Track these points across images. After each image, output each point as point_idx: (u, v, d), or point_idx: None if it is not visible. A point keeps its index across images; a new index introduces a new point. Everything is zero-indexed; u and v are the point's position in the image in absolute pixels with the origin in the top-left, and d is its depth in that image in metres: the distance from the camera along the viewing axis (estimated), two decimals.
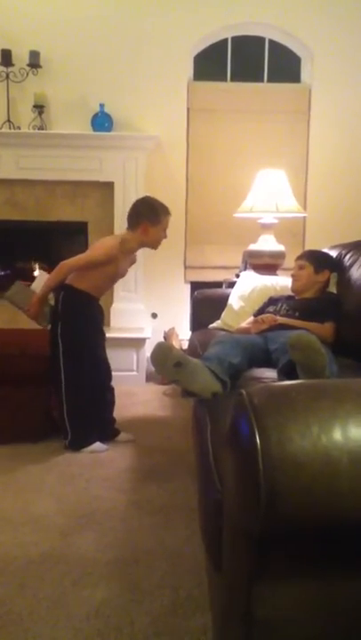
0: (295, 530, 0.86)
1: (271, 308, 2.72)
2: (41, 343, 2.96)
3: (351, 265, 2.68)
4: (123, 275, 2.89)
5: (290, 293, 2.84)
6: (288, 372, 1.96)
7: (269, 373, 2.09)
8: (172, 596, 1.61)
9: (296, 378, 1.87)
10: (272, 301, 2.83)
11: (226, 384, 1.97)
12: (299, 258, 2.80)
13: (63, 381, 2.71)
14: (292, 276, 2.79)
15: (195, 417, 1.96)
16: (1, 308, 4.27)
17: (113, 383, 2.93)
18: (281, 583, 0.92)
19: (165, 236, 2.79)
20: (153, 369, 1.98)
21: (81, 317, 2.73)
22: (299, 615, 0.92)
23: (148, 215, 2.69)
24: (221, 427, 1.38)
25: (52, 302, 2.75)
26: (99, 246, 2.73)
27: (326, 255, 2.86)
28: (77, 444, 2.72)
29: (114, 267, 2.72)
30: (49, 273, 2.78)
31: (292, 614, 0.92)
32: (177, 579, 1.69)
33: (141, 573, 1.72)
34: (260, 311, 2.80)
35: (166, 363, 1.97)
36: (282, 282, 3.19)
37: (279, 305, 2.71)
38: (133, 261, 2.94)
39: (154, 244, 2.78)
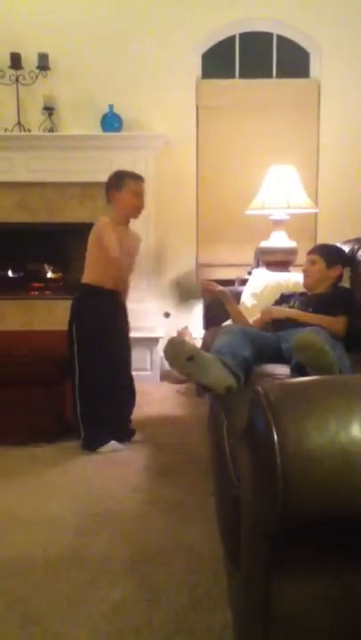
0: (313, 525, 0.85)
1: (284, 305, 2.70)
2: (53, 344, 2.98)
3: None
4: (128, 259, 2.81)
5: (303, 290, 2.81)
6: (300, 369, 1.96)
7: (282, 370, 2.09)
8: (190, 594, 1.60)
9: (308, 374, 1.87)
10: (284, 298, 2.79)
11: (240, 378, 1.95)
12: (310, 252, 2.74)
13: (77, 381, 2.72)
14: (304, 271, 2.73)
15: (211, 414, 1.96)
16: (13, 309, 4.31)
17: None
18: (299, 579, 0.92)
19: (140, 203, 2.73)
20: (167, 367, 1.98)
21: (95, 316, 2.72)
22: (317, 610, 0.91)
23: (113, 183, 2.72)
24: (237, 424, 1.37)
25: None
26: (98, 233, 2.67)
27: (338, 249, 2.80)
28: (92, 445, 2.72)
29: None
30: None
31: (310, 610, 0.91)
32: (194, 576, 1.69)
33: (158, 571, 1.72)
34: None
35: (179, 357, 1.96)
36: (294, 278, 3.17)
37: (292, 302, 2.68)
38: (138, 242, 2.88)
39: (128, 210, 2.72)
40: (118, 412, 2.85)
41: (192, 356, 1.94)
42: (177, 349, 1.98)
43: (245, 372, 2.00)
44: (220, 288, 2.74)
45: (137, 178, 2.74)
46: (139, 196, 2.72)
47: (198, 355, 1.96)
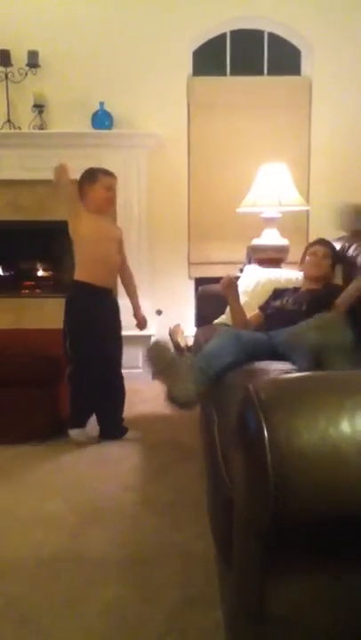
0: (305, 523, 0.85)
1: (278, 302, 2.69)
2: (47, 343, 2.97)
3: (357, 256, 2.67)
4: (108, 242, 2.89)
5: (295, 285, 2.81)
6: (314, 356, 1.95)
7: (276, 366, 2.08)
8: (183, 594, 1.60)
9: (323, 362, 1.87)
10: (277, 294, 2.77)
11: (201, 394, 2.03)
12: (321, 244, 2.74)
13: (71, 375, 2.82)
14: (316, 263, 2.69)
15: (202, 412, 1.96)
16: (3, 308, 4.28)
17: None
18: (292, 578, 0.92)
19: (112, 196, 2.91)
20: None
21: (84, 316, 2.78)
22: (310, 610, 0.91)
23: (86, 177, 2.88)
24: (229, 422, 1.37)
25: None
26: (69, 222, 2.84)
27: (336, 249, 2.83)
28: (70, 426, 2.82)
29: (90, 239, 2.80)
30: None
31: (303, 609, 0.91)
32: (187, 576, 1.69)
33: (152, 571, 1.72)
34: (267, 304, 2.76)
35: (160, 362, 2.05)
36: (286, 274, 3.17)
37: (285, 299, 2.67)
38: (118, 229, 3.04)
39: (101, 202, 2.86)
40: (107, 408, 2.88)
41: (170, 364, 2.03)
42: (160, 355, 2.06)
43: (218, 376, 2.02)
44: (234, 283, 2.75)
45: (109, 173, 2.90)
46: (111, 189, 2.89)
47: (177, 365, 2.03)
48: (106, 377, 2.84)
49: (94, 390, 2.82)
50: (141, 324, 3.14)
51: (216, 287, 2.87)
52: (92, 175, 2.87)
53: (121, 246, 2.99)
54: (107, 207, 2.92)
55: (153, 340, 2.12)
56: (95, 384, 2.81)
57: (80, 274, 2.82)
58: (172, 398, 2.03)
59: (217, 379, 2.04)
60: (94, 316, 2.79)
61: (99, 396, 2.84)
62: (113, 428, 2.88)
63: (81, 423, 2.84)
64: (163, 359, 2.05)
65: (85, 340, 2.77)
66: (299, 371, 1.94)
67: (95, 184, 2.84)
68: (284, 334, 2.18)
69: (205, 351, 2.12)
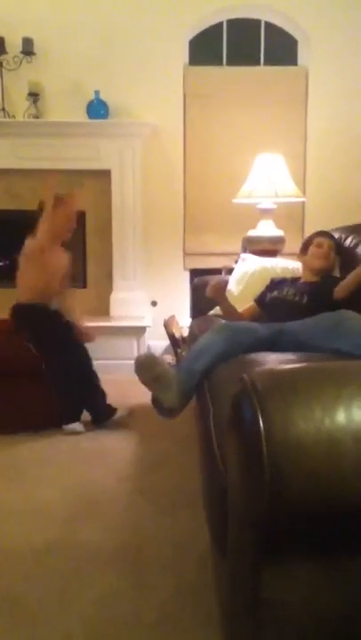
0: (300, 513, 0.85)
1: (276, 293, 2.66)
2: None
3: (355, 247, 2.67)
4: (61, 276, 3.04)
5: (292, 276, 2.79)
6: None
7: (272, 357, 2.07)
8: (177, 583, 1.61)
9: None
10: (275, 285, 2.74)
11: (185, 402, 2.12)
12: (329, 237, 2.72)
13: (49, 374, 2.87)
14: (323, 255, 2.66)
15: (198, 403, 1.96)
16: None
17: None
18: (287, 567, 0.92)
19: (72, 224, 3.02)
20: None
21: (45, 337, 2.91)
22: (305, 599, 0.91)
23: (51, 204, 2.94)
24: (224, 412, 1.37)
25: None
26: (37, 244, 2.95)
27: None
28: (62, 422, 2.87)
29: (46, 260, 2.95)
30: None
31: (298, 598, 0.91)
32: (182, 565, 1.70)
33: (146, 561, 1.73)
34: (263, 296, 2.73)
35: (148, 375, 2.13)
36: (281, 264, 3.15)
37: (285, 290, 2.62)
38: (67, 260, 3.12)
39: (61, 231, 2.98)
40: (91, 393, 2.96)
41: (158, 377, 2.10)
42: (148, 368, 2.13)
43: (207, 371, 2.05)
44: (222, 287, 2.78)
45: (70, 199, 3.01)
46: (71, 218, 3.00)
47: (164, 377, 2.10)
48: (81, 365, 2.94)
49: (75, 381, 2.90)
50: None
51: (210, 279, 2.85)
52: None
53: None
54: (68, 236, 3.05)
55: (142, 353, 2.22)
56: (74, 375, 2.90)
57: (30, 296, 2.96)
58: (156, 404, 2.13)
59: (206, 374, 2.04)
60: (53, 336, 2.93)
61: (81, 385, 2.92)
62: (101, 411, 2.94)
63: (76, 417, 2.89)
64: (150, 371, 2.13)
65: (55, 354, 2.89)
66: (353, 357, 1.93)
67: (57, 212, 2.93)
68: (307, 325, 2.17)
69: (195, 345, 2.13)
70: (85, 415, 2.96)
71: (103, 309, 4.27)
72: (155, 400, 2.13)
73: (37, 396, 2.87)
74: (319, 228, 3.11)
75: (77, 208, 3.06)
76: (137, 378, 2.20)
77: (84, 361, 2.98)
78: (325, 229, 2.99)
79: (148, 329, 4.05)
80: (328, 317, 2.13)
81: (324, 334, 2.06)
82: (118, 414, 2.96)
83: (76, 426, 2.86)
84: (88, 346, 3.02)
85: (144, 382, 2.16)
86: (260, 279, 2.99)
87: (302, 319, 2.23)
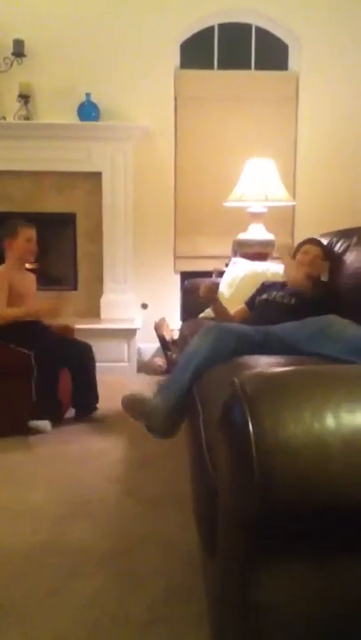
0: (290, 515, 0.86)
1: (265, 296, 2.69)
2: None
3: (344, 251, 2.69)
4: (29, 299, 3.14)
5: (283, 279, 2.81)
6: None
7: (262, 360, 2.09)
8: (167, 584, 1.61)
9: None
10: (266, 288, 2.78)
11: (180, 418, 2.12)
12: (317, 245, 2.74)
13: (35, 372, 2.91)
14: (311, 264, 2.68)
15: (188, 406, 1.97)
16: None
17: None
18: (276, 567, 0.93)
19: (32, 247, 3.09)
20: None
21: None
22: (295, 599, 0.92)
23: (8, 232, 3.06)
24: (214, 415, 1.38)
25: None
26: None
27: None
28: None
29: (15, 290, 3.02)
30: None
31: (287, 598, 0.93)
32: (171, 566, 1.70)
33: (135, 562, 1.73)
34: (253, 299, 2.77)
35: (135, 412, 2.20)
36: (272, 268, 3.18)
37: (274, 293, 2.66)
38: (34, 281, 3.28)
39: (24, 255, 3.09)
40: (79, 385, 3.06)
41: (143, 412, 2.16)
42: (133, 407, 2.21)
43: (197, 374, 2.07)
44: (213, 289, 2.80)
45: (28, 225, 3.09)
46: (31, 241, 3.08)
47: (149, 410, 2.14)
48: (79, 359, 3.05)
49: (57, 380, 2.97)
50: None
51: (200, 281, 2.86)
52: (11, 229, 3.05)
53: None
54: (30, 259, 3.16)
55: (125, 394, 2.28)
56: (57, 375, 2.98)
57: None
58: (150, 430, 2.16)
59: (195, 380, 2.06)
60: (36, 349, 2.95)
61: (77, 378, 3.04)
62: (84, 405, 3.06)
63: (49, 416, 2.93)
64: (135, 409, 2.20)
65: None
66: (340, 362, 1.93)
67: (17, 237, 3.04)
68: (293, 328, 2.19)
69: (184, 352, 2.15)
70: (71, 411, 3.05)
71: (94, 312, 4.27)
72: (148, 427, 2.17)
73: (27, 397, 2.86)
74: (309, 232, 3.15)
75: (33, 235, 3.11)
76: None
77: (84, 359, 3.05)
78: (316, 234, 3.03)
79: (138, 331, 4.06)
80: (314, 322, 2.15)
81: (309, 339, 2.08)
82: (98, 414, 3.05)
83: (44, 424, 2.88)
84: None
85: (133, 418, 2.23)
86: (251, 283, 3.02)
87: (290, 321, 2.26)
